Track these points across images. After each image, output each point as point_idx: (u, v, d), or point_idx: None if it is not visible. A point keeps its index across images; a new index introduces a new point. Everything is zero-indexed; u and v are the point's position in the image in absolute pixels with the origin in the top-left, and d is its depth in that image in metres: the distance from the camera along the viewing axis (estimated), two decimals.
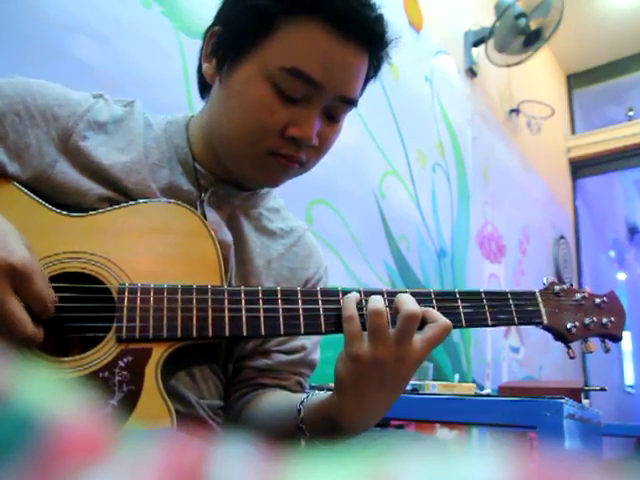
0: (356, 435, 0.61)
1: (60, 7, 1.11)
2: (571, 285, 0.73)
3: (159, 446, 0.16)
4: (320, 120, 0.66)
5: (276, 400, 0.70)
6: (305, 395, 0.64)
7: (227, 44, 0.66)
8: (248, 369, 0.75)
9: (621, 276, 5.47)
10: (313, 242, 0.85)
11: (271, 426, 0.67)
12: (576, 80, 4.52)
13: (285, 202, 0.86)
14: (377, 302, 0.57)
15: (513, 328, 2.93)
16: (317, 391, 0.65)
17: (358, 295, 0.60)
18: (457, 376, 1.95)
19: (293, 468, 0.16)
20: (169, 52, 1.32)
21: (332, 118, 0.68)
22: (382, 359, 0.55)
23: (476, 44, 2.86)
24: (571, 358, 0.71)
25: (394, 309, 0.58)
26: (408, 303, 0.57)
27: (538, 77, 3.93)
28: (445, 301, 0.64)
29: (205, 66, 0.70)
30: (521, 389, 1.39)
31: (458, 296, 0.65)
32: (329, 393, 0.61)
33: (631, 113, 4.52)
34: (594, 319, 0.71)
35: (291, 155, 0.66)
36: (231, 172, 0.71)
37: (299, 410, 0.62)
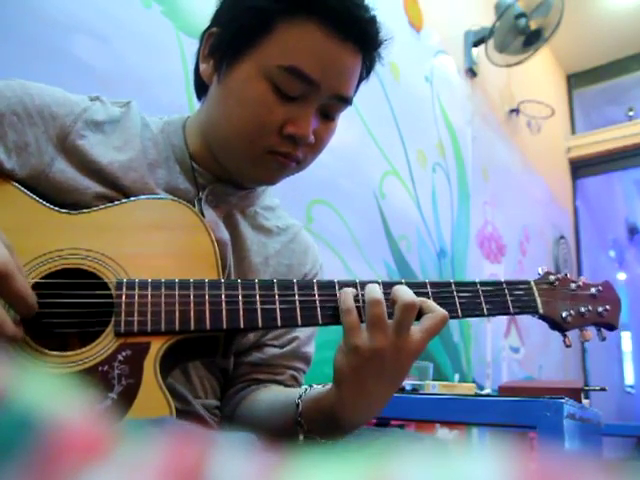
0: (355, 429, 0.61)
1: (60, 7, 1.11)
2: (566, 275, 0.73)
3: (159, 445, 0.16)
4: (316, 118, 0.67)
5: (273, 395, 0.71)
6: (303, 389, 0.65)
7: (225, 44, 0.67)
8: (243, 365, 0.75)
9: (621, 276, 5.46)
10: (309, 239, 0.86)
11: (268, 421, 0.67)
12: (576, 80, 4.52)
13: (285, 202, 0.87)
14: (375, 292, 0.58)
15: (513, 327, 2.93)
16: (315, 385, 0.65)
17: (355, 290, 0.60)
18: (457, 376, 1.96)
19: (293, 468, 0.16)
20: (169, 52, 1.32)
21: (327, 116, 0.69)
22: (381, 349, 0.56)
23: (476, 44, 2.86)
24: (567, 346, 0.71)
25: (391, 300, 0.58)
26: (405, 294, 0.57)
27: (538, 77, 3.93)
28: (441, 292, 0.64)
29: (203, 66, 0.70)
30: (521, 389, 1.39)
31: (454, 287, 0.65)
32: (328, 386, 0.61)
33: (631, 113, 4.53)
34: (589, 308, 0.71)
35: (288, 153, 0.67)
36: (228, 171, 0.71)
37: (297, 404, 0.62)
